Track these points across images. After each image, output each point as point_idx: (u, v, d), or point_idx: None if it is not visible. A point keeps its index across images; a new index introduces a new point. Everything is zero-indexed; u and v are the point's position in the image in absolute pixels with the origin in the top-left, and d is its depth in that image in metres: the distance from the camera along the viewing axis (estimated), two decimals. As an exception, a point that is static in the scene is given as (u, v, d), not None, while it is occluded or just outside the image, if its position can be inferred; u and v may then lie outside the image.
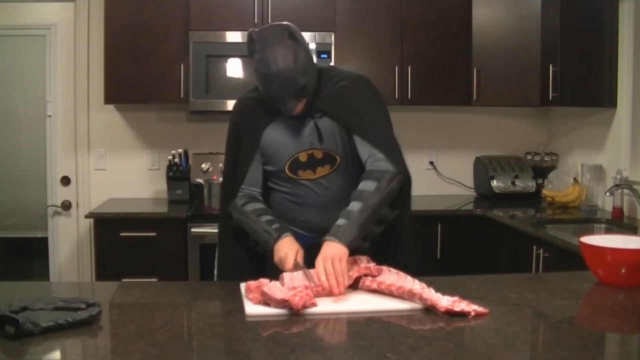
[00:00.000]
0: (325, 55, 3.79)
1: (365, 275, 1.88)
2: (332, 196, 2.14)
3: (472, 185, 4.41)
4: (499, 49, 3.95)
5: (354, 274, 1.87)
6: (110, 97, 3.83)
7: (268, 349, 1.44)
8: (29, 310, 1.50)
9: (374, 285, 1.82)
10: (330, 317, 1.67)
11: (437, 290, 1.71)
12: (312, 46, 3.77)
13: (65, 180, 4.19)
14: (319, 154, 2.12)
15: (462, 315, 1.61)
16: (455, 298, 1.66)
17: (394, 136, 2.21)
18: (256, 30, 2.02)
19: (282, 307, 1.64)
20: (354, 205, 1.99)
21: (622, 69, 3.57)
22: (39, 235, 4.23)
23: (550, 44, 3.70)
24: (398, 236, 2.19)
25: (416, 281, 1.78)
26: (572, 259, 2.61)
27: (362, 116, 2.12)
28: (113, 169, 4.21)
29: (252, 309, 1.67)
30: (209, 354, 1.42)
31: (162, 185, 4.14)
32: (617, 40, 3.59)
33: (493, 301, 1.75)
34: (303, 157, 2.12)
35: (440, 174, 4.42)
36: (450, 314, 1.61)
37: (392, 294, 1.76)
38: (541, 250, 3.02)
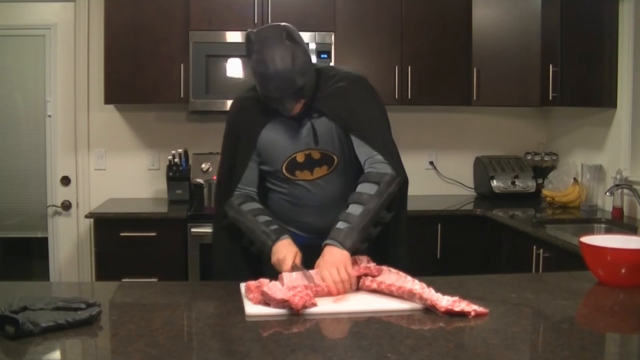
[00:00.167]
0: (325, 55, 3.79)
1: (365, 275, 1.88)
2: (330, 197, 2.14)
3: (472, 185, 4.41)
4: (499, 49, 3.95)
5: (354, 273, 1.87)
6: (110, 97, 3.83)
7: (268, 349, 1.44)
8: (29, 310, 1.50)
9: (374, 285, 1.82)
10: (330, 317, 1.67)
11: (437, 290, 1.71)
12: (312, 46, 3.77)
13: (65, 180, 4.19)
14: (316, 155, 2.11)
15: (462, 315, 1.61)
16: (455, 298, 1.66)
17: (392, 138, 2.20)
18: (254, 30, 2.01)
19: (282, 307, 1.64)
20: (354, 209, 1.99)
21: (622, 69, 3.57)
22: (39, 235, 4.23)
23: (550, 44, 3.70)
24: (392, 237, 2.19)
25: (416, 281, 1.78)
26: (572, 259, 2.61)
27: (360, 117, 2.11)
28: (113, 169, 4.21)
29: (252, 309, 1.67)
30: (209, 354, 1.42)
31: (162, 185, 4.14)
32: (617, 40, 3.59)
33: (493, 301, 1.75)
34: (300, 158, 2.11)
35: (440, 174, 4.42)
36: (450, 314, 1.61)
37: (392, 294, 1.76)
38: (541, 250, 3.02)
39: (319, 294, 1.77)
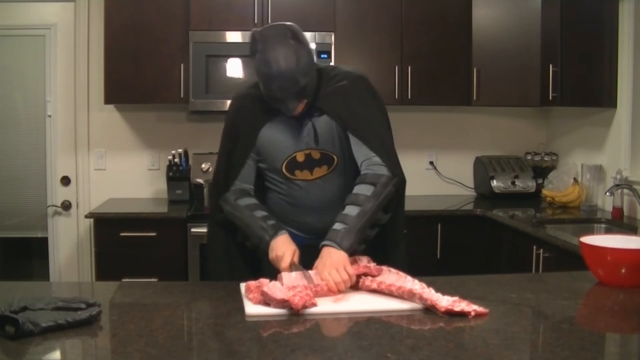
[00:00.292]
0: (325, 55, 3.79)
1: (365, 274, 1.88)
2: (329, 197, 2.14)
3: (472, 185, 4.41)
4: (499, 49, 3.95)
5: (354, 272, 1.87)
6: (110, 97, 3.83)
7: (268, 349, 1.44)
8: (29, 310, 1.50)
9: (374, 285, 1.82)
10: (330, 317, 1.67)
11: (437, 290, 1.71)
12: (312, 46, 3.74)
13: (65, 180, 4.19)
14: (316, 154, 2.11)
15: (462, 315, 1.61)
16: (455, 298, 1.66)
17: (391, 138, 2.20)
18: (259, 29, 2.01)
19: (282, 307, 1.64)
20: (351, 210, 1.99)
21: (622, 69, 3.57)
22: (39, 235, 4.23)
23: (550, 44, 3.70)
24: (390, 239, 2.19)
25: (416, 281, 1.78)
26: (572, 259, 2.61)
27: (359, 117, 2.11)
28: (113, 169, 4.21)
29: (252, 309, 1.67)
30: (209, 354, 1.42)
31: (162, 185, 4.14)
32: (617, 40, 3.59)
33: (493, 301, 1.75)
34: (300, 157, 2.11)
35: (440, 174, 4.42)
36: (450, 314, 1.61)
37: (392, 294, 1.76)
38: (541, 250, 3.02)
39: (318, 294, 1.77)
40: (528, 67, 3.86)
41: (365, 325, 1.59)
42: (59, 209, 4.19)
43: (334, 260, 1.86)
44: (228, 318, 1.62)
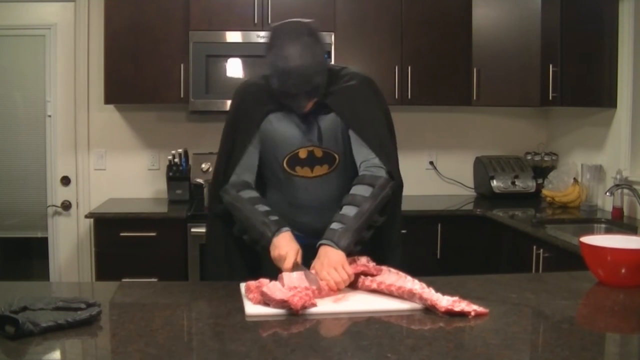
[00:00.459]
0: (326, 55, 3.77)
1: (364, 274, 1.88)
2: (328, 197, 2.14)
3: (472, 185, 4.41)
4: (499, 49, 3.95)
5: (353, 271, 1.87)
6: (110, 97, 3.83)
7: (268, 349, 1.44)
8: (29, 310, 1.50)
9: (374, 285, 1.82)
10: (330, 317, 1.67)
11: (437, 290, 1.71)
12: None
13: (65, 180, 4.19)
14: (318, 153, 2.12)
15: (462, 315, 1.61)
16: (455, 298, 1.66)
17: (393, 143, 2.21)
18: (277, 24, 2.02)
19: (282, 307, 1.64)
20: (349, 210, 1.99)
21: (622, 69, 3.57)
22: (39, 235, 4.23)
23: (550, 44, 3.70)
24: (387, 241, 2.18)
25: (416, 281, 1.78)
26: (572, 259, 2.61)
27: (363, 117, 2.12)
28: (113, 169, 4.21)
29: (252, 309, 1.67)
30: (209, 354, 1.42)
31: (162, 185, 4.14)
32: (617, 40, 3.59)
33: (493, 301, 1.75)
34: (303, 154, 2.11)
35: (440, 174, 4.42)
36: (450, 314, 1.61)
37: (392, 294, 1.76)
38: (541, 250, 3.02)
39: (320, 294, 1.77)
40: (528, 67, 3.86)
41: (365, 325, 1.59)
42: (59, 209, 4.19)
43: (331, 260, 1.86)
44: (228, 318, 1.62)
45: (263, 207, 2.08)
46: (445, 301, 1.64)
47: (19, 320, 1.39)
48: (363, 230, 2.00)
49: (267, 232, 2.01)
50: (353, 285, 1.86)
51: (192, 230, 3.53)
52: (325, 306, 1.71)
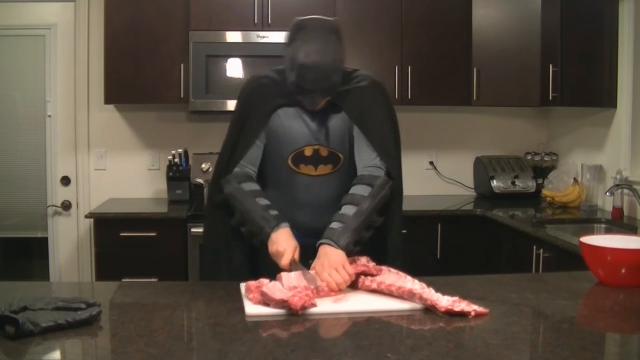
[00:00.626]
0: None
1: (364, 273, 1.88)
2: (328, 197, 2.14)
3: (472, 185, 4.41)
4: (499, 49, 3.95)
5: (353, 271, 1.87)
6: (110, 97, 3.83)
7: (268, 349, 1.44)
8: (29, 310, 1.50)
9: (374, 285, 1.82)
10: (330, 317, 1.67)
11: (437, 290, 1.71)
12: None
13: (65, 180, 4.19)
14: (324, 152, 2.12)
15: (462, 315, 1.61)
16: (455, 298, 1.66)
17: (398, 146, 2.21)
18: (302, 18, 2.02)
19: (281, 307, 1.64)
20: (348, 209, 2.00)
21: (622, 69, 3.57)
22: (39, 235, 4.23)
23: (550, 44, 3.70)
24: (386, 246, 2.18)
25: (416, 281, 1.78)
26: (572, 259, 2.61)
27: (371, 118, 2.13)
28: (113, 169, 4.21)
29: (252, 309, 1.67)
30: (209, 354, 1.42)
31: (162, 185, 4.14)
32: (617, 40, 3.59)
33: (493, 301, 1.75)
34: (308, 152, 2.12)
35: (440, 174, 4.42)
36: (450, 314, 1.61)
37: (392, 294, 1.76)
38: (541, 250, 3.02)
39: (320, 295, 1.77)
40: (528, 67, 3.86)
41: (365, 325, 1.59)
42: (59, 209, 4.19)
43: (332, 260, 1.86)
44: (228, 318, 1.62)
45: (264, 201, 2.07)
46: (445, 301, 1.64)
47: (19, 320, 1.39)
48: (362, 230, 2.00)
49: (266, 226, 2.00)
50: (353, 285, 1.86)
51: (192, 230, 3.53)
52: (325, 306, 1.71)
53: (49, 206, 4.19)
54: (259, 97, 2.14)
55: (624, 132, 3.58)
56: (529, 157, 4.30)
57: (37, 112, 4.15)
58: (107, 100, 3.85)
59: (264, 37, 3.77)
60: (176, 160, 3.98)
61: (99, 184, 4.20)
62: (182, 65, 3.77)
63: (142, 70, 3.79)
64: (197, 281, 3.42)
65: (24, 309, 1.50)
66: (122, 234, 3.52)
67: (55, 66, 4.12)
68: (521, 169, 4.20)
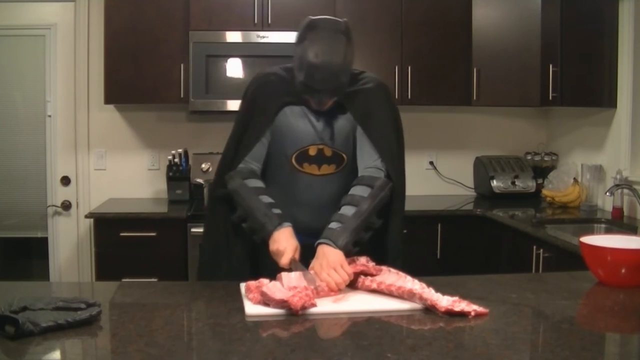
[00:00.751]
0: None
1: (364, 273, 1.88)
2: (329, 197, 2.14)
3: (472, 185, 4.41)
4: (499, 49, 3.95)
5: (352, 270, 1.87)
6: (110, 97, 3.83)
7: (268, 349, 1.44)
8: (29, 310, 1.50)
9: (374, 285, 1.82)
10: (330, 317, 1.67)
11: (437, 290, 1.71)
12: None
13: (65, 180, 4.19)
14: (328, 152, 2.13)
15: (462, 315, 1.61)
16: (455, 298, 1.66)
17: (401, 149, 2.22)
18: (314, 18, 2.02)
19: (281, 307, 1.64)
20: (347, 210, 2.00)
21: (622, 69, 3.57)
22: (39, 235, 4.23)
23: (550, 44, 3.70)
24: (386, 247, 2.17)
25: (416, 281, 1.78)
26: (572, 259, 2.61)
27: (375, 119, 2.14)
28: (113, 169, 4.21)
29: (252, 309, 1.67)
30: (209, 354, 1.42)
31: (162, 185, 4.14)
32: (617, 40, 3.59)
33: (493, 301, 1.75)
34: (312, 151, 2.12)
35: (440, 174, 4.42)
36: (450, 314, 1.61)
37: (392, 294, 1.76)
38: (541, 250, 3.02)
39: (320, 295, 1.77)
40: (528, 67, 3.86)
41: (365, 325, 1.59)
42: (59, 209, 4.19)
43: (330, 260, 1.86)
44: (228, 318, 1.62)
45: (267, 199, 2.07)
46: (445, 301, 1.64)
47: (19, 320, 1.39)
48: (361, 231, 2.00)
49: (268, 224, 2.00)
50: (353, 285, 1.86)
51: (192, 230, 3.53)
52: (325, 306, 1.71)
53: (49, 206, 4.19)
54: (266, 94, 2.14)
55: (624, 132, 3.58)
56: (529, 157, 4.30)
57: (37, 112, 4.15)
58: (107, 100, 3.85)
59: (264, 37, 3.77)
60: (176, 160, 3.98)
61: (99, 184, 4.20)
62: (182, 65, 3.77)
63: (142, 70, 3.79)
64: (197, 281, 3.41)
65: (24, 309, 1.50)
66: (122, 234, 3.52)
67: (55, 66, 4.12)
68: (521, 169, 4.20)
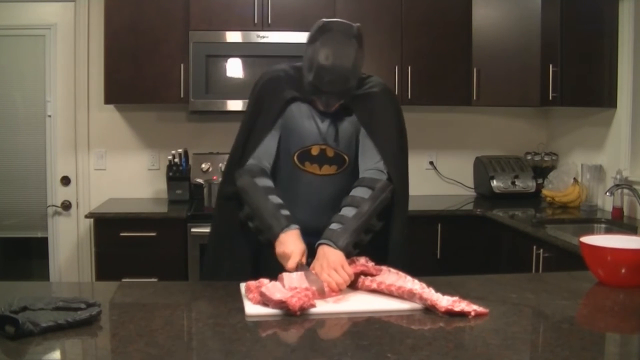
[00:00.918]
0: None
1: (364, 273, 1.88)
2: (329, 197, 2.14)
3: (472, 185, 4.41)
4: (499, 49, 3.95)
5: (353, 271, 1.87)
6: (110, 97, 3.83)
7: (268, 349, 1.44)
8: (29, 310, 1.50)
9: (374, 285, 1.82)
10: (330, 317, 1.67)
11: (437, 290, 1.71)
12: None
13: (65, 180, 4.19)
14: (330, 152, 2.13)
15: (462, 315, 1.61)
16: (455, 298, 1.66)
17: (404, 152, 2.23)
18: (327, 20, 2.02)
19: (280, 308, 1.64)
20: (348, 211, 2.00)
21: (622, 69, 3.57)
22: (39, 235, 4.23)
23: (550, 44, 3.70)
24: (388, 252, 2.17)
25: (416, 281, 1.78)
26: (572, 259, 2.61)
27: (378, 122, 2.14)
28: (113, 169, 4.21)
29: (252, 309, 1.67)
30: (209, 354, 1.42)
31: (162, 185, 4.14)
32: (617, 40, 3.59)
33: (493, 301, 1.75)
34: (315, 151, 2.12)
35: (440, 174, 4.42)
36: (450, 314, 1.61)
37: (392, 294, 1.76)
38: (541, 250, 3.02)
39: (321, 296, 1.76)
40: (528, 67, 3.86)
41: (365, 325, 1.59)
42: (59, 209, 4.19)
43: (330, 261, 1.86)
44: (228, 318, 1.62)
45: (276, 200, 2.05)
46: (445, 301, 1.64)
47: (19, 320, 1.39)
48: (362, 232, 2.00)
49: (276, 226, 1.98)
50: (353, 286, 1.86)
51: (192, 230, 3.53)
52: (325, 306, 1.71)
53: (49, 206, 4.19)
54: (275, 87, 2.15)
55: (624, 132, 3.58)
56: (529, 157, 4.30)
57: (37, 112, 4.15)
58: (107, 100, 3.85)
59: (264, 37, 3.77)
60: (176, 160, 3.98)
61: (99, 184, 4.20)
62: (182, 65, 3.77)
63: (142, 70, 3.79)
64: (197, 281, 3.42)
65: (24, 309, 1.50)
66: (122, 234, 3.52)
67: (55, 66, 4.12)
68: (521, 169, 4.20)
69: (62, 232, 4.20)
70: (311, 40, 2.01)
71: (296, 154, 2.13)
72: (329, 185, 2.15)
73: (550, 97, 3.64)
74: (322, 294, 1.77)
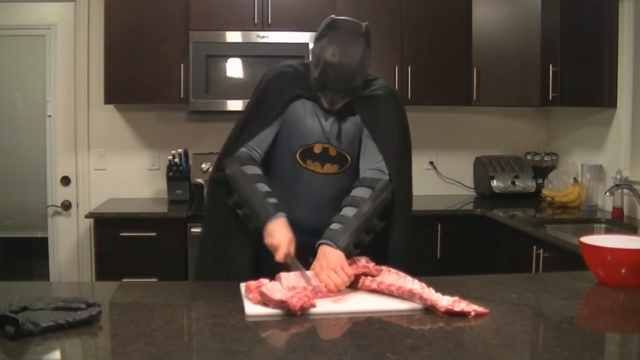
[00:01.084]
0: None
1: (365, 274, 1.88)
2: (329, 197, 2.14)
3: (472, 185, 4.41)
4: (499, 49, 3.95)
5: (353, 272, 1.87)
6: (110, 97, 3.83)
7: (268, 349, 1.44)
8: (29, 310, 1.50)
9: (374, 285, 1.82)
10: (330, 317, 1.67)
11: (437, 290, 1.71)
12: (312, 46, 3.76)
13: (65, 180, 4.19)
14: (333, 151, 2.13)
15: (462, 315, 1.61)
16: (455, 298, 1.66)
17: (407, 155, 2.22)
18: (336, 17, 2.04)
19: (280, 308, 1.64)
20: (348, 211, 2.00)
21: (622, 69, 3.57)
22: (39, 235, 4.23)
23: (550, 44, 3.70)
24: (390, 252, 2.17)
25: (416, 281, 1.78)
26: (572, 259, 2.61)
27: (382, 124, 2.14)
28: (113, 169, 4.21)
29: (252, 309, 1.67)
30: (209, 354, 1.42)
31: (162, 185, 4.14)
32: (617, 40, 3.59)
33: (493, 301, 1.75)
34: (317, 149, 2.13)
35: (440, 174, 4.42)
36: (450, 314, 1.61)
37: (392, 294, 1.76)
38: (541, 250, 3.02)
39: (318, 295, 1.77)
40: (528, 67, 3.86)
41: (365, 325, 1.59)
42: (59, 209, 4.19)
43: (330, 261, 1.86)
44: (228, 318, 1.62)
45: (264, 187, 2.06)
46: (445, 301, 1.64)
47: (19, 320, 1.39)
48: (362, 232, 2.00)
49: (263, 214, 1.99)
50: (353, 286, 1.86)
51: (192, 230, 3.53)
52: (325, 306, 1.71)
53: (49, 206, 4.19)
54: (280, 84, 2.15)
55: (624, 132, 3.58)
56: (529, 157, 4.30)
57: (37, 112, 4.15)
58: (107, 100, 3.85)
59: (264, 37, 3.77)
60: (176, 160, 3.98)
61: (99, 184, 4.20)
62: (182, 65, 3.77)
63: (142, 70, 3.79)
64: (197, 281, 3.41)
65: (24, 309, 1.50)
66: (122, 234, 3.52)
67: (55, 66, 4.12)
68: (521, 169, 4.20)
69: (62, 232, 4.20)
70: (319, 36, 2.02)
71: (298, 152, 2.13)
72: (329, 184, 2.15)
73: (550, 97, 3.64)
74: (319, 294, 1.77)
